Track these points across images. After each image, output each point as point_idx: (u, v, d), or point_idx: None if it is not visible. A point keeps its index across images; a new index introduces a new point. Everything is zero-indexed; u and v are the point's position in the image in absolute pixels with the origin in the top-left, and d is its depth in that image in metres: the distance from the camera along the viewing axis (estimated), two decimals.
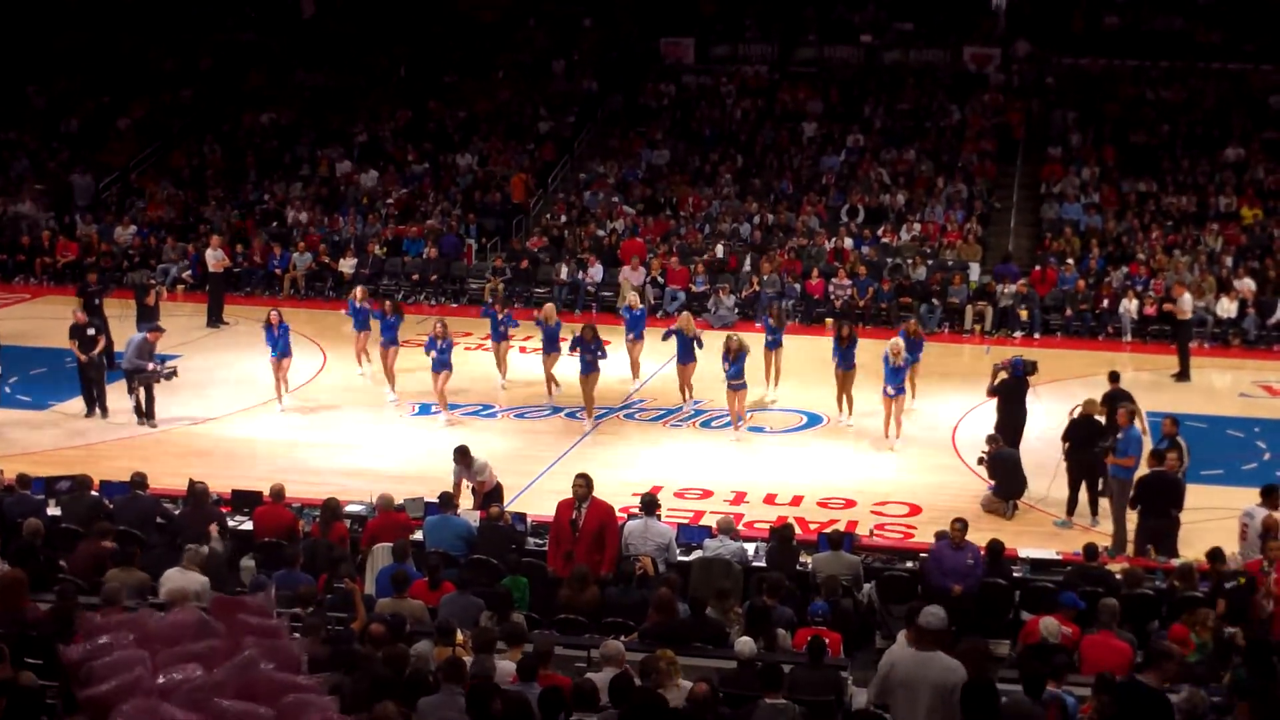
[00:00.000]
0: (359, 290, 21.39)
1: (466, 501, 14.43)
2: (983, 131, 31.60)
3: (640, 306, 21.17)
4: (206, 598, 10.19)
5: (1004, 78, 33.56)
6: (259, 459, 17.41)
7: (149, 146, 33.44)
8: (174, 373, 19.01)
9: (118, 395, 19.05)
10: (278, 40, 37.09)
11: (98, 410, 18.92)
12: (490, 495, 14.57)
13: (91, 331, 18.92)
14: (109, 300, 21.82)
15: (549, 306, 20.33)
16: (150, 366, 18.48)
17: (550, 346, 19.85)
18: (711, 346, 19.75)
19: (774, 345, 20.43)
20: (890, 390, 18.04)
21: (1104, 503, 15.35)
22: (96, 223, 29.80)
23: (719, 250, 27.75)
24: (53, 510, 13.43)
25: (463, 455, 14.75)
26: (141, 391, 18.59)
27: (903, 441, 18.26)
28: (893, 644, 12.03)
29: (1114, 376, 16.94)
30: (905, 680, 8.28)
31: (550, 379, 19.96)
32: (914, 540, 14.71)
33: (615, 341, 20.45)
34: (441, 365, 18.92)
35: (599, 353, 18.88)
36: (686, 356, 19.61)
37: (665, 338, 19.81)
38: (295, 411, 19.45)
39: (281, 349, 19.24)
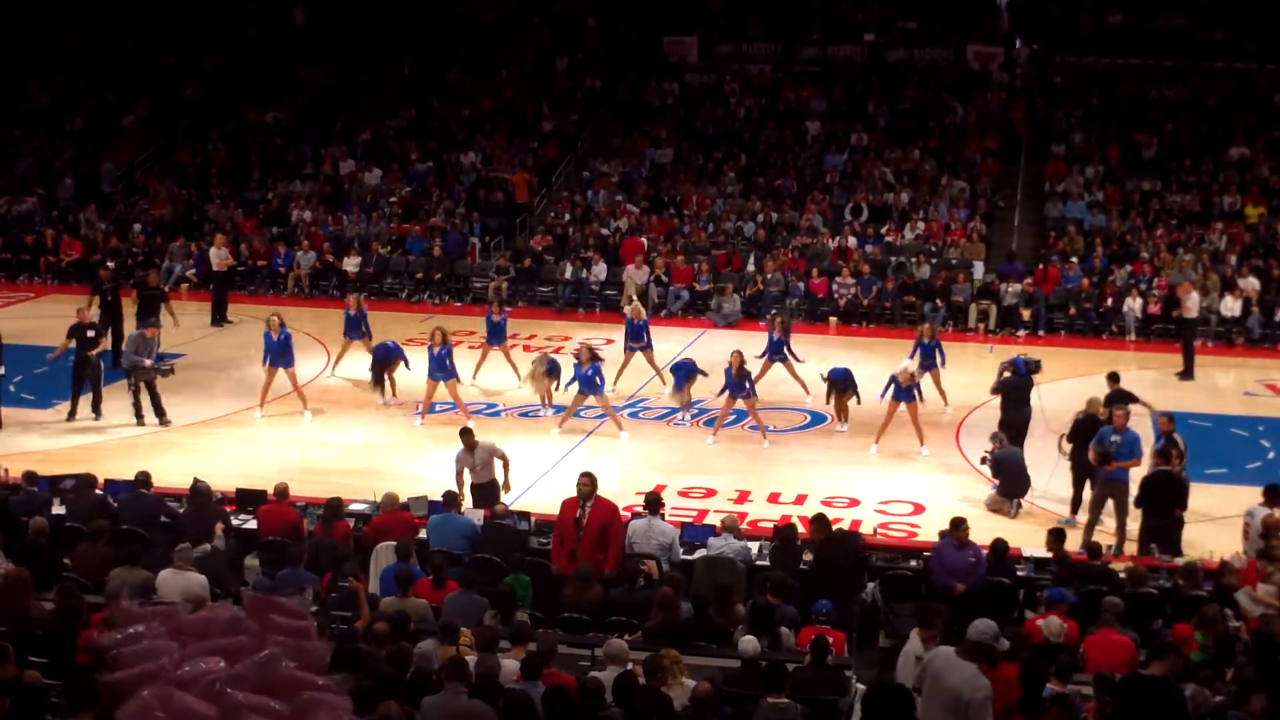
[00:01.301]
0: (352, 299, 21.12)
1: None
2: (986, 129, 31.60)
3: (643, 317, 20.56)
4: (207, 596, 10.22)
5: (1007, 76, 33.57)
6: (263, 457, 17.42)
7: (153, 145, 33.48)
8: (171, 370, 18.95)
9: (111, 396, 19.04)
10: (281, 39, 37.11)
11: (68, 409, 18.79)
12: (484, 491, 14.52)
13: (92, 333, 18.86)
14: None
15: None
16: (147, 363, 18.44)
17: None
18: (717, 346, 19.73)
19: (780, 358, 20.03)
20: (902, 401, 17.66)
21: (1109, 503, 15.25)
22: (102, 220, 29.81)
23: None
24: (58, 509, 13.43)
25: (467, 436, 14.79)
26: (142, 390, 18.56)
27: (929, 449, 17.91)
28: (897, 642, 12.14)
29: (1114, 377, 16.87)
30: (935, 675, 8.40)
31: (547, 394, 19.57)
32: (918, 539, 14.71)
33: (618, 340, 20.46)
34: (448, 374, 18.60)
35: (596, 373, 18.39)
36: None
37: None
38: (297, 409, 19.41)
39: (284, 358, 18.85)
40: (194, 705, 6.85)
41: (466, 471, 14.75)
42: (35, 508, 12.86)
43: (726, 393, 18.35)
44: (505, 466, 14.94)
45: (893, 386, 17.72)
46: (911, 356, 19.28)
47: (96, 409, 18.84)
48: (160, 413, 18.61)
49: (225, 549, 12.55)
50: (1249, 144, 30.04)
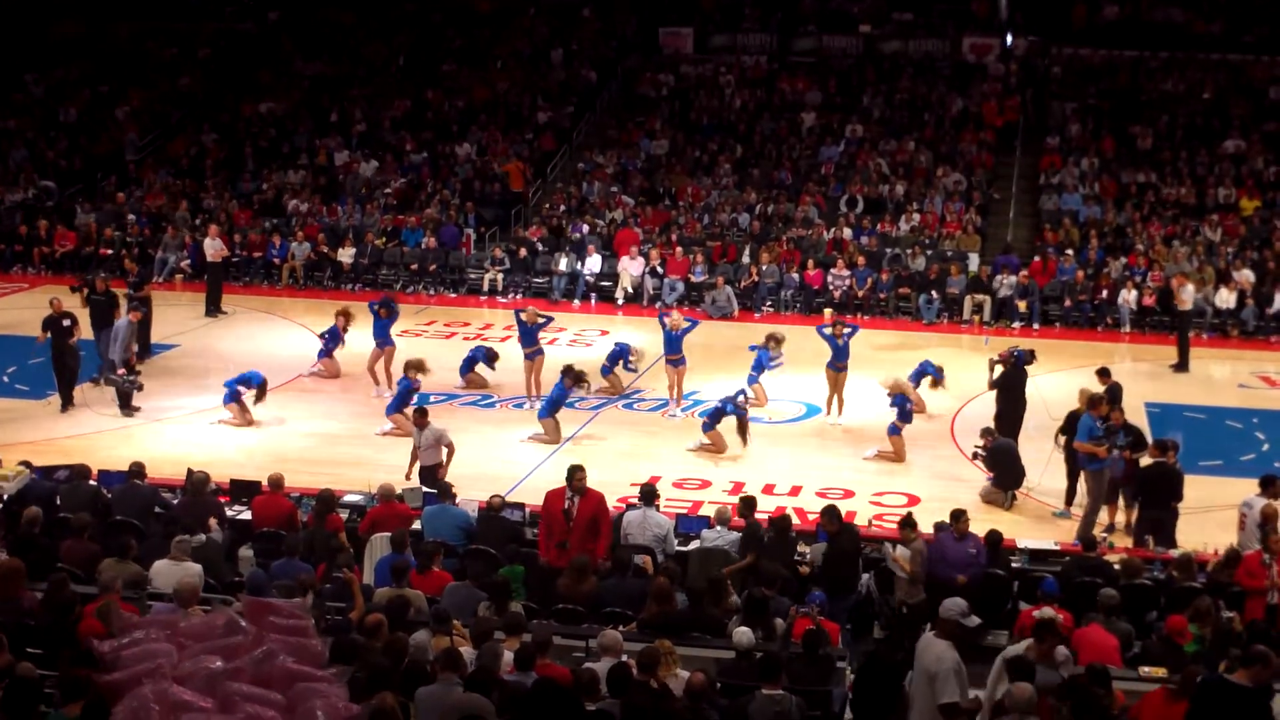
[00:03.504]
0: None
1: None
2: (982, 122, 31.58)
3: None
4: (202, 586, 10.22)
5: (1003, 68, 33.55)
6: (258, 448, 17.39)
7: (147, 136, 33.38)
8: (141, 386, 18.79)
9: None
10: (276, 29, 37.01)
11: (59, 399, 18.77)
12: (428, 474, 14.59)
13: (67, 322, 18.79)
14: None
15: (531, 308, 20.04)
16: (120, 372, 18.46)
17: (530, 347, 19.46)
18: (714, 339, 19.66)
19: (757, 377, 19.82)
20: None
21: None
22: (95, 211, 29.72)
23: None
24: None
25: (420, 415, 15.20)
26: (113, 392, 18.58)
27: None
28: (889, 634, 12.17)
29: (1104, 372, 16.70)
30: (916, 654, 8.65)
31: (532, 383, 19.45)
32: None
33: (612, 332, 20.40)
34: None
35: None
36: (676, 357, 19.17)
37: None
38: (296, 404, 19.40)
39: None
40: (190, 699, 6.94)
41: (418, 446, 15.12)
42: (41, 494, 12.87)
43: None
44: (449, 455, 15.12)
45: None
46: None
47: (64, 400, 18.79)
48: (125, 404, 18.61)
49: (220, 540, 12.52)
50: (1244, 136, 30.04)
